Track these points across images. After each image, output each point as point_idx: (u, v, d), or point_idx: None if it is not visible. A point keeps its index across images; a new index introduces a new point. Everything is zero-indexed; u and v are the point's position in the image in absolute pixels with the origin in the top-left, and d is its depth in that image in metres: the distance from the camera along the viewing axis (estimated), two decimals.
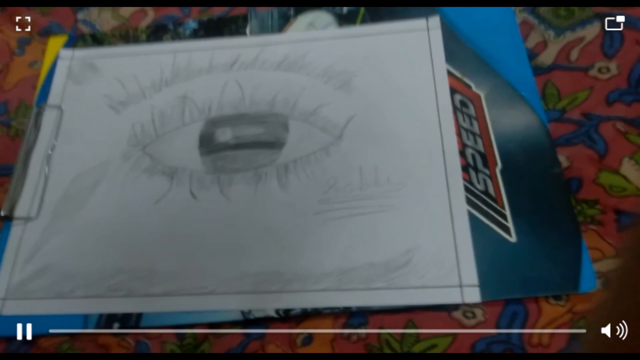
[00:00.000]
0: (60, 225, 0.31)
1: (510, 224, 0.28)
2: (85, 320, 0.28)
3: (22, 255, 0.30)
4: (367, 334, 0.26)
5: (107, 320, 0.28)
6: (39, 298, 0.29)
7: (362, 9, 0.36)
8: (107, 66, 0.37)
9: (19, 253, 0.30)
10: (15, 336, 0.28)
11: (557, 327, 0.25)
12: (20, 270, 0.30)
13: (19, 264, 0.30)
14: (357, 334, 0.26)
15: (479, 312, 0.26)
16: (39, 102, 0.36)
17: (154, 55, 0.36)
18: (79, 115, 0.35)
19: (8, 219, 0.31)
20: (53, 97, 0.36)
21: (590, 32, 0.32)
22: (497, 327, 0.25)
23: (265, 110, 0.33)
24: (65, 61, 0.37)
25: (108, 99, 0.35)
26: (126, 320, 0.28)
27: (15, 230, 0.31)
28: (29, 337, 0.28)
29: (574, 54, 0.32)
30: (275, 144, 0.32)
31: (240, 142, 0.32)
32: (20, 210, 0.32)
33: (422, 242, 0.28)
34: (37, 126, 0.35)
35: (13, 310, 0.29)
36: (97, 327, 0.28)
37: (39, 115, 0.35)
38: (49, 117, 0.35)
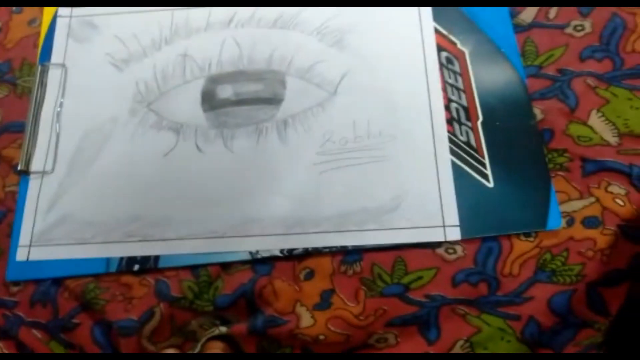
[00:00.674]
0: (75, 178, 0.33)
1: (488, 172, 0.31)
2: (107, 262, 0.31)
3: (42, 206, 0.33)
4: (362, 269, 0.30)
5: (128, 262, 0.31)
6: (62, 244, 0.32)
7: None
8: (107, 24, 0.38)
9: (38, 204, 0.33)
10: (43, 279, 0.31)
11: (526, 260, 0.29)
12: (41, 219, 0.32)
13: (40, 214, 0.33)
14: (353, 269, 0.30)
15: (459, 248, 0.30)
16: (42, 60, 0.37)
17: (152, 12, 0.37)
18: (83, 73, 0.36)
19: (25, 173, 0.33)
20: (56, 55, 0.37)
21: None
22: (475, 261, 0.29)
23: (263, 68, 0.35)
24: (65, 19, 0.38)
25: (110, 56, 0.36)
26: (145, 262, 0.31)
27: (33, 183, 0.33)
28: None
29: (552, 13, 0.34)
30: (273, 100, 0.34)
31: (240, 99, 0.34)
32: (35, 165, 0.34)
33: (410, 188, 0.31)
34: (42, 84, 0.36)
35: (39, 256, 0.32)
36: (118, 268, 0.31)
37: (43, 73, 0.36)
38: (53, 75, 0.36)
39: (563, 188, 0.30)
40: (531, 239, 0.29)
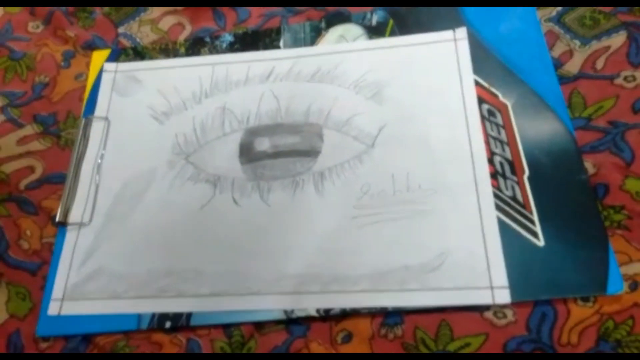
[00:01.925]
0: (111, 230, 0.33)
1: (538, 229, 0.29)
2: (138, 319, 0.30)
3: (77, 259, 0.33)
4: (404, 333, 0.28)
5: (160, 319, 0.30)
6: (94, 299, 0.31)
7: (391, 21, 0.38)
8: (149, 79, 0.39)
9: (74, 257, 0.33)
10: (73, 335, 0.30)
11: (586, 328, 0.26)
12: (75, 272, 0.32)
13: (75, 267, 0.32)
14: (394, 332, 0.28)
15: (509, 312, 0.28)
16: (86, 113, 0.38)
17: (193, 67, 0.38)
18: (125, 125, 0.37)
19: (63, 224, 0.34)
20: (99, 109, 0.38)
21: (616, 41, 0.33)
22: (527, 327, 0.27)
23: (301, 120, 0.35)
24: (110, 74, 0.39)
25: (151, 110, 0.37)
26: (177, 319, 0.30)
27: (70, 235, 0.33)
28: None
29: (600, 63, 0.33)
30: (311, 153, 0.34)
31: (278, 151, 0.34)
32: (73, 216, 0.34)
33: (454, 245, 0.29)
34: (85, 136, 0.37)
35: (71, 310, 0.31)
36: (150, 326, 0.30)
37: (87, 126, 0.37)
38: (96, 128, 0.37)
39: (623, 248, 0.28)
40: (590, 304, 0.27)
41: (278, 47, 0.38)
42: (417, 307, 0.28)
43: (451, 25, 0.36)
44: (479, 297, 0.28)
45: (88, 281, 0.32)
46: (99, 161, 0.36)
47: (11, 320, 0.31)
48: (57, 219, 0.34)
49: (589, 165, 0.30)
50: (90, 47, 0.42)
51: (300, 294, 0.29)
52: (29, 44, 0.42)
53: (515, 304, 0.27)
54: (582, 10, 0.35)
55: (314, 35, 0.38)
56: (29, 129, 0.38)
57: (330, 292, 0.29)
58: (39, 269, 0.33)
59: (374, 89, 0.35)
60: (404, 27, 0.37)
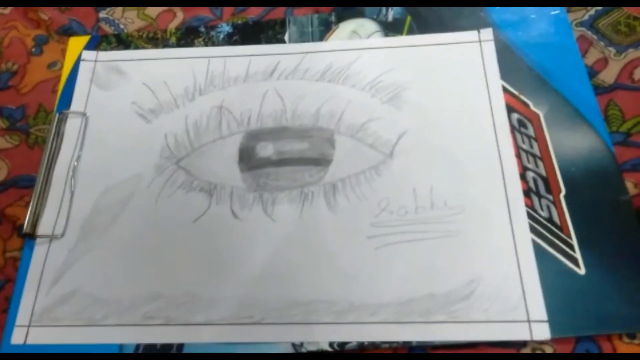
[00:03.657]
0: (89, 244, 0.29)
1: (577, 255, 0.26)
2: (120, 350, 0.26)
3: (47, 278, 0.28)
4: None
5: (145, 351, 0.26)
6: (67, 325, 0.27)
7: (409, 18, 0.34)
8: (135, 71, 0.34)
9: (43, 275, 0.28)
10: None
11: None
12: (45, 294, 0.28)
13: (44, 287, 0.28)
14: None
15: (548, 349, 0.25)
16: (61, 107, 0.33)
17: (186, 60, 0.34)
18: (106, 123, 0.32)
19: (30, 236, 0.29)
20: (76, 103, 0.33)
21: None
22: None
23: (309, 124, 0.31)
24: (89, 64, 0.35)
25: (137, 106, 0.33)
26: (166, 351, 0.26)
27: (39, 249, 0.29)
28: None
29: (638, 73, 0.30)
30: (321, 161, 0.30)
31: (283, 158, 0.30)
32: (43, 228, 0.29)
33: (485, 272, 0.26)
34: (59, 134, 0.32)
35: (39, 339, 0.27)
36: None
37: (61, 122, 0.32)
38: (72, 125, 0.32)
39: None
40: (637, 341, 0.24)
41: (283, 41, 0.34)
42: (444, 342, 0.25)
43: (476, 25, 0.33)
44: (515, 332, 0.25)
45: (60, 305, 0.27)
46: (75, 163, 0.31)
47: None
48: (24, 230, 0.29)
49: (630, 185, 0.28)
50: (66, 32, 0.37)
51: (310, 325, 0.26)
52: None
53: (554, 340, 0.24)
54: (615, 15, 0.32)
55: (323, 30, 0.35)
56: None
57: (346, 322, 0.26)
58: (2, 288, 0.28)
59: (392, 92, 0.31)
60: (423, 25, 0.34)
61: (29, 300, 0.27)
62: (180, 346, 0.26)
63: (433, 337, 0.25)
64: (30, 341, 0.26)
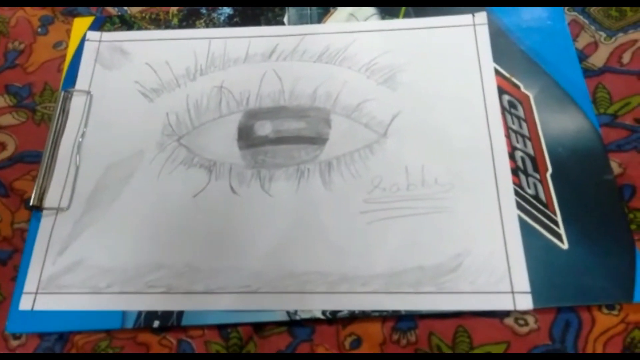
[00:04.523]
0: (93, 217, 0.30)
1: (562, 231, 0.27)
2: (123, 317, 0.27)
3: (54, 248, 0.29)
4: (417, 338, 0.26)
5: (147, 317, 0.27)
6: (72, 293, 0.28)
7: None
8: (138, 51, 0.35)
9: (50, 246, 0.29)
10: (48, 332, 0.27)
11: (611, 338, 0.25)
12: (51, 263, 0.29)
13: (51, 256, 0.29)
14: (407, 338, 0.26)
15: (531, 319, 0.26)
16: (66, 86, 0.34)
17: (188, 41, 0.35)
18: (109, 101, 0.33)
19: (37, 209, 0.30)
20: (81, 82, 0.34)
21: None
22: (551, 336, 0.25)
23: (306, 104, 0.32)
24: (93, 44, 0.36)
25: (139, 85, 0.34)
26: (166, 318, 0.27)
27: (46, 221, 0.30)
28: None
29: (627, 57, 0.31)
30: (317, 140, 0.31)
31: (280, 137, 0.31)
32: (50, 201, 0.30)
33: (473, 246, 0.27)
34: (64, 111, 0.33)
35: (46, 305, 0.28)
36: (136, 324, 0.27)
37: (66, 100, 0.33)
38: (77, 103, 0.33)
39: None
40: (615, 312, 0.25)
41: (282, 23, 0.35)
42: (432, 311, 0.26)
43: (470, 9, 0.34)
44: (499, 303, 0.26)
45: (66, 273, 0.28)
46: (80, 140, 0.32)
47: None
48: (31, 203, 0.30)
49: (614, 164, 0.29)
50: (71, 13, 0.38)
51: (304, 294, 0.27)
52: (1, 7, 0.38)
53: (537, 310, 0.26)
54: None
55: (322, 12, 0.35)
56: (1, 101, 0.34)
57: (338, 292, 0.27)
58: (10, 257, 0.30)
59: (387, 74, 0.32)
60: (420, 9, 0.35)
61: (36, 269, 0.29)
62: (180, 313, 0.27)
63: (421, 307, 0.26)
64: (37, 307, 0.28)
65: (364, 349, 0.26)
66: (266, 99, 0.32)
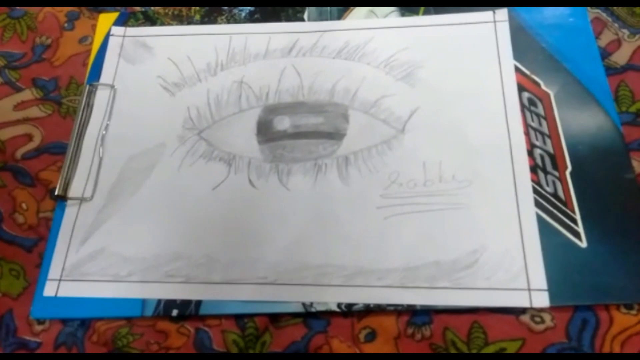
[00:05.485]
0: (115, 208, 0.31)
1: (580, 229, 0.27)
2: (143, 305, 0.28)
3: (77, 237, 0.30)
4: (432, 333, 0.26)
5: (166, 306, 0.28)
6: (94, 280, 0.29)
7: None
8: (160, 46, 0.36)
9: (73, 234, 0.30)
10: (71, 318, 0.28)
11: (629, 337, 0.25)
12: (75, 252, 0.30)
13: (74, 245, 0.30)
14: (422, 332, 0.26)
15: (547, 317, 0.26)
16: (91, 80, 0.35)
17: (209, 36, 0.36)
18: (132, 95, 0.34)
19: (62, 199, 0.31)
20: (105, 76, 0.35)
21: None
22: (567, 334, 0.25)
23: (325, 100, 0.32)
24: (117, 39, 0.36)
25: (162, 79, 0.34)
26: (185, 307, 0.28)
27: (70, 211, 0.31)
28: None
29: None
30: (335, 135, 0.31)
31: (299, 132, 0.32)
32: (74, 191, 0.31)
33: (490, 242, 0.27)
34: (89, 105, 0.34)
35: (69, 292, 0.29)
36: (155, 312, 0.27)
37: (91, 93, 0.34)
38: (101, 96, 0.34)
39: None
40: (634, 312, 0.25)
41: (302, 19, 0.36)
42: (447, 306, 0.26)
43: (491, 6, 0.34)
44: (515, 299, 0.26)
45: (88, 261, 0.29)
46: (103, 132, 0.33)
47: (3, 299, 0.29)
48: (56, 193, 0.31)
49: (636, 163, 0.28)
50: (96, 8, 0.38)
51: (320, 286, 0.27)
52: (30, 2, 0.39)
53: (553, 308, 0.25)
54: None
55: (341, 9, 0.36)
56: (28, 94, 0.35)
57: (354, 285, 0.27)
58: (35, 245, 0.30)
59: (406, 70, 0.32)
60: (439, 6, 0.35)
61: (60, 257, 0.30)
62: (198, 303, 0.28)
63: (436, 302, 0.26)
64: (61, 294, 0.29)
65: (378, 343, 0.26)
66: (285, 94, 0.33)
